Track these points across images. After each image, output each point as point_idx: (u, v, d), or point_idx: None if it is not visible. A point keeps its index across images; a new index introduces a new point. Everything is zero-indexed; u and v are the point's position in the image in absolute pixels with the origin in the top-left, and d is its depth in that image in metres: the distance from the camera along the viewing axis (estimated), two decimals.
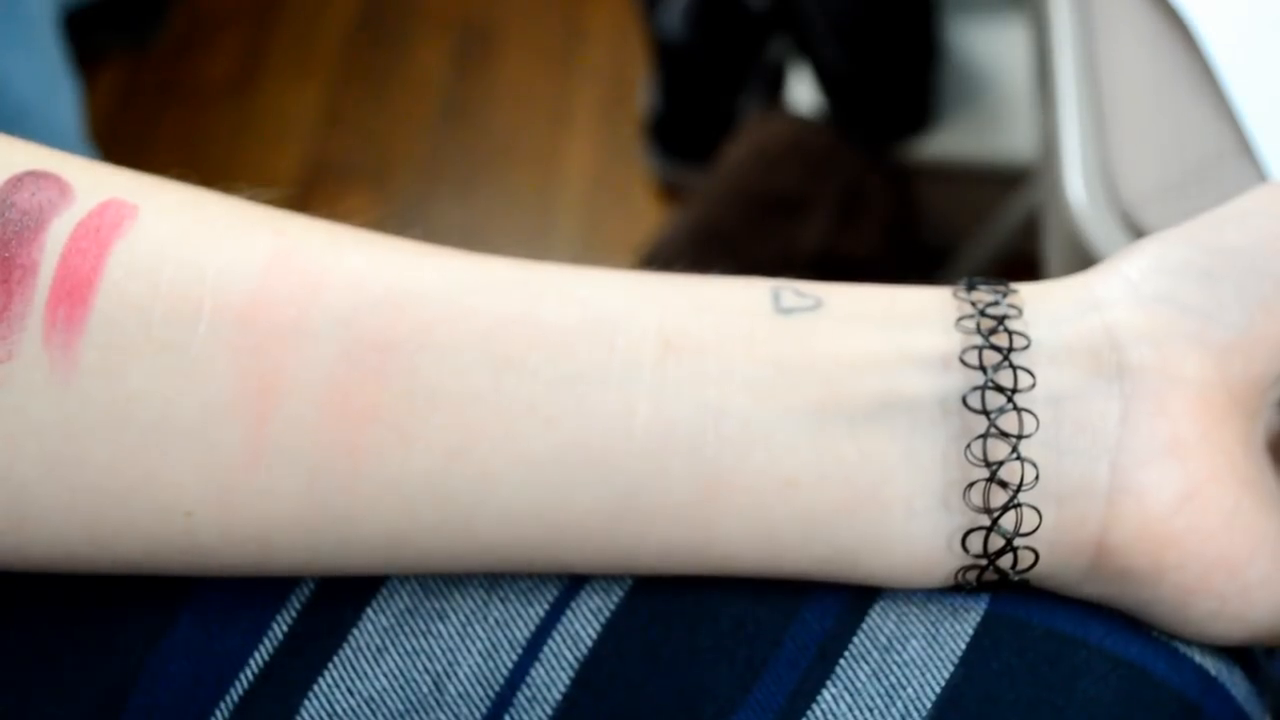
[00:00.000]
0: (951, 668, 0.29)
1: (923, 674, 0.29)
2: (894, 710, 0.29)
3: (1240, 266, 0.29)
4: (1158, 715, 0.29)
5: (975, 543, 0.28)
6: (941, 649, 0.29)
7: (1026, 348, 0.28)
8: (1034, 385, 0.28)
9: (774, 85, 1.27)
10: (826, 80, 1.14)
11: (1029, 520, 0.28)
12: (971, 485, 0.28)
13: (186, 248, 0.27)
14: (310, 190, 1.37)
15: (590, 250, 1.33)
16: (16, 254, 0.26)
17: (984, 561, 0.28)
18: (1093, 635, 0.30)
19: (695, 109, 1.30)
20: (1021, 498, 0.28)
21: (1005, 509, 0.28)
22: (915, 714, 0.29)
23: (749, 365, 0.28)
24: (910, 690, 0.29)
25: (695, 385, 0.28)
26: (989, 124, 1.16)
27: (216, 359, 0.27)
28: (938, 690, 0.29)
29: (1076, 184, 0.46)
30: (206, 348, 0.27)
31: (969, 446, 0.28)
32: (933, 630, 0.30)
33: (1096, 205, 0.46)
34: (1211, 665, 0.31)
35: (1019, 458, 0.28)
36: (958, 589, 0.30)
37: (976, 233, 1.12)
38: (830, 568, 0.29)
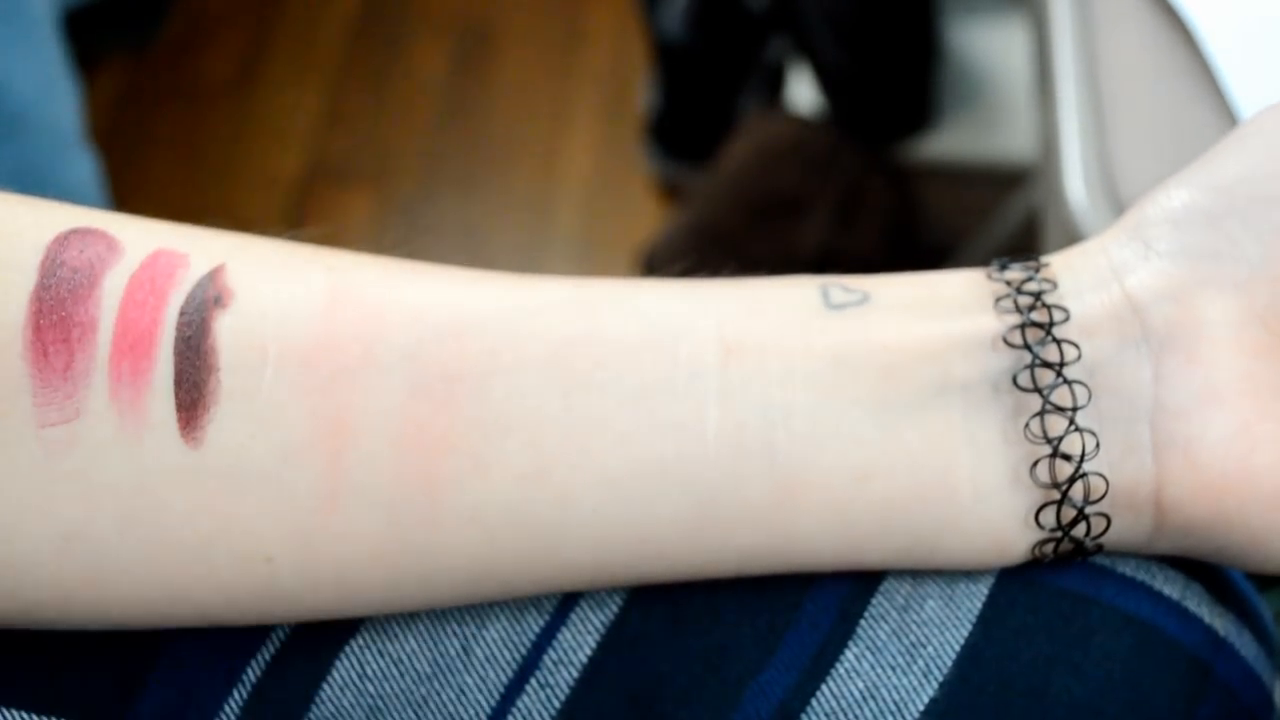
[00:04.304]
0: (970, 626, 0.30)
1: (942, 632, 0.30)
2: (915, 668, 0.29)
3: (1244, 197, 0.29)
4: (1170, 673, 0.30)
5: (1048, 517, 0.29)
6: (959, 608, 0.30)
7: (1066, 320, 0.29)
8: (1079, 357, 0.28)
9: (774, 85, 1.27)
10: (826, 80, 1.14)
11: (1096, 487, 0.28)
12: (1036, 462, 0.28)
13: (242, 292, 0.27)
14: (310, 190, 1.37)
15: (590, 250, 1.33)
16: (73, 312, 0.26)
17: (1059, 534, 0.29)
18: (1105, 594, 0.30)
19: (695, 109, 1.30)
20: (1084, 467, 0.28)
21: (1072, 480, 0.28)
22: (936, 671, 0.29)
23: (809, 362, 0.28)
24: (930, 648, 0.30)
25: (760, 387, 0.28)
26: (989, 124, 1.16)
27: (286, 403, 0.27)
28: (957, 648, 0.30)
29: (1076, 184, 0.46)
30: (275, 392, 0.27)
31: (1027, 425, 0.28)
32: (948, 591, 0.30)
33: (1096, 205, 0.46)
34: (1221, 626, 0.31)
35: (1077, 429, 0.28)
36: (1035, 564, 0.30)
37: (976, 233, 1.12)
38: (912, 555, 0.29)
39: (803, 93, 1.21)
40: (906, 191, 1.14)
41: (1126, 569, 0.31)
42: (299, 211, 1.35)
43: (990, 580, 0.30)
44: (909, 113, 1.15)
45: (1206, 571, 0.32)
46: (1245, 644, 0.32)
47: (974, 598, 0.30)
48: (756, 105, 1.26)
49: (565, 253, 1.33)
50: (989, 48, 1.19)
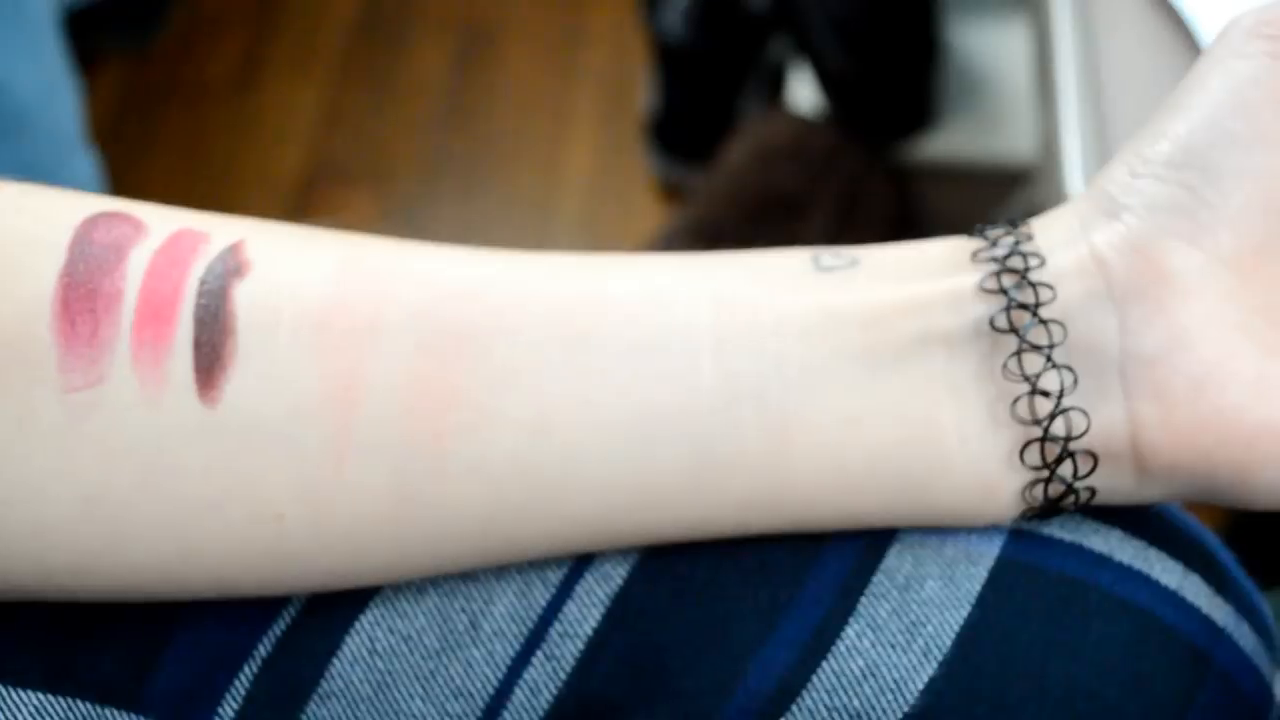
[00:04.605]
0: (969, 607, 0.30)
1: (941, 612, 0.30)
2: (915, 646, 0.30)
3: (1202, 143, 0.29)
4: (1168, 660, 0.30)
5: (1034, 456, 0.29)
6: (958, 589, 0.30)
7: (1042, 265, 0.30)
8: (1055, 298, 0.29)
9: (774, 85, 1.27)
10: (827, 80, 1.14)
11: (1077, 424, 0.29)
12: (1017, 400, 0.29)
13: (259, 263, 0.29)
14: (310, 190, 1.37)
15: (590, 250, 1.33)
16: (100, 284, 0.28)
17: (1046, 474, 0.29)
18: (1103, 580, 0.31)
19: (695, 109, 1.31)
20: (1064, 402, 0.29)
21: (1053, 416, 0.29)
22: (936, 650, 0.30)
23: (799, 316, 0.30)
24: (930, 627, 0.30)
25: (752, 337, 0.29)
26: (989, 124, 1.16)
27: (299, 363, 0.28)
28: (956, 628, 0.30)
29: (1076, 183, 0.46)
30: (289, 353, 0.28)
31: (1005, 364, 0.29)
32: (949, 572, 0.31)
33: None
34: (1219, 617, 0.31)
35: (1054, 365, 0.29)
36: (1029, 515, 0.30)
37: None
38: (903, 501, 0.30)
39: (803, 93, 1.21)
40: (906, 191, 1.15)
41: (1124, 557, 0.31)
42: (299, 211, 1.35)
43: (990, 563, 0.31)
44: (909, 113, 1.15)
45: (1205, 564, 0.32)
46: (1244, 635, 0.32)
47: (973, 580, 0.31)
48: (756, 105, 1.26)
49: (565, 251, 1.33)
50: (989, 48, 1.19)
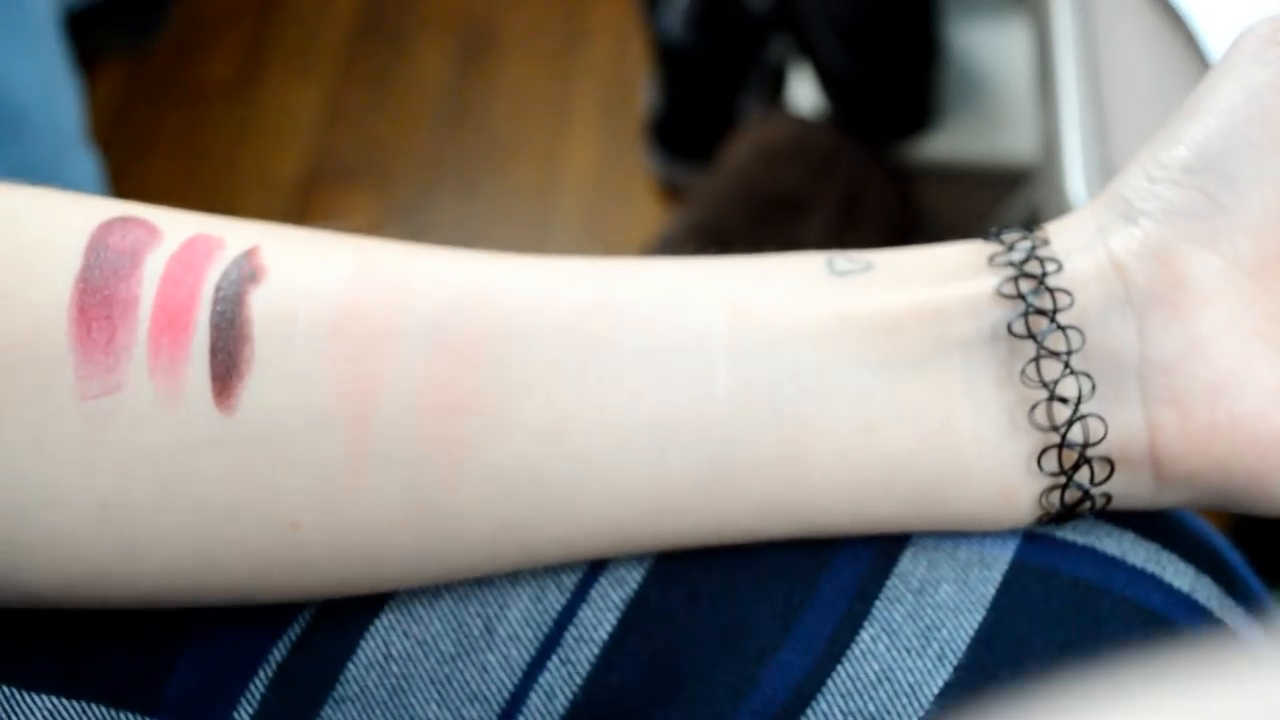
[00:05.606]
0: (983, 611, 0.30)
1: (956, 617, 0.30)
2: (930, 650, 0.30)
3: (1219, 148, 0.29)
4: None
5: (1050, 462, 0.29)
6: (972, 593, 0.30)
7: (1060, 270, 0.29)
8: (1072, 304, 0.29)
9: (774, 85, 1.27)
10: (827, 81, 1.14)
11: (1095, 430, 0.29)
12: (1035, 406, 0.29)
13: (274, 269, 0.28)
14: (310, 190, 1.37)
15: (591, 250, 1.33)
16: (116, 290, 0.28)
17: (1063, 479, 0.29)
18: (1116, 583, 0.31)
19: (695, 109, 1.30)
20: (1081, 409, 0.29)
21: (1071, 422, 0.29)
22: (951, 655, 0.30)
23: (814, 322, 0.29)
24: (945, 632, 0.30)
25: (768, 344, 0.29)
26: (989, 124, 1.16)
27: (315, 370, 0.28)
28: (971, 632, 0.30)
29: (1077, 184, 0.46)
30: (304, 359, 0.28)
31: (1024, 370, 0.29)
32: (963, 576, 0.31)
33: None
34: (1231, 620, 0.31)
35: (1072, 372, 0.29)
36: (1045, 520, 0.30)
37: (976, 233, 1.12)
38: (920, 507, 0.30)
39: (803, 93, 1.21)
40: (907, 191, 1.14)
41: (1137, 560, 0.31)
42: (299, 211, 1.35)
43: (1004, 567, 0.31)
44: (910, 113, 1.15)
45: (1216, 566, 0.32)
46: (1256, 638, 0.32)
47: (987, 584, 0.31)
48: (756, 105, 1.26)
49: (566, 252, 1.32)
50: (989, 48, 1.19)
